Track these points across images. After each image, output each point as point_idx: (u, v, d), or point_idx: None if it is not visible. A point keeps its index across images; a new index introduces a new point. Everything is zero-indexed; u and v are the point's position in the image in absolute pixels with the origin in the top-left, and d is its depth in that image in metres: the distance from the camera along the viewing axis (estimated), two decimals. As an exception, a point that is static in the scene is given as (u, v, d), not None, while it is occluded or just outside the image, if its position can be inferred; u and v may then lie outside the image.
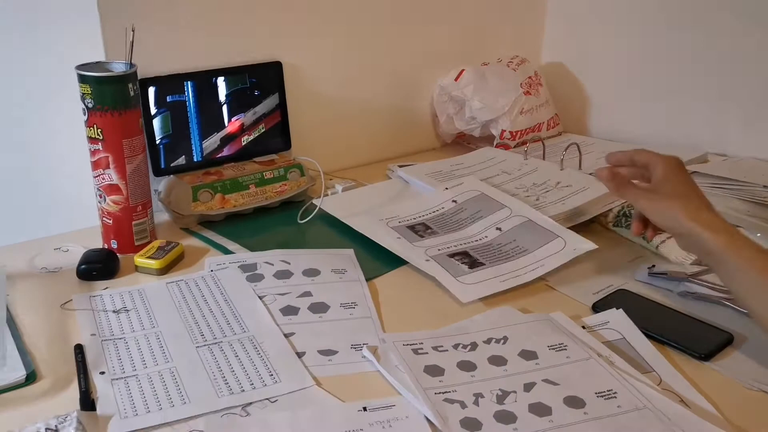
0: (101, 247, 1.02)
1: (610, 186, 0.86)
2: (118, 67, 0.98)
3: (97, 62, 0.99)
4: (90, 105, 0.94)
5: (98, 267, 0.95)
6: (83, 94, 0.94)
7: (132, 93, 0.96)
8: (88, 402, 0.70)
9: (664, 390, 0.75)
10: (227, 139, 1.22)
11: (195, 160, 1.19)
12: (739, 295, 0.77)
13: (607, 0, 1.51)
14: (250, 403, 0.72)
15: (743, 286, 0.76)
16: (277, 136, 1.27)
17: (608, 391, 0.73)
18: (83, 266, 0.94)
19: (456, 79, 1.44)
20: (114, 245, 1.01)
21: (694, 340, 0.82)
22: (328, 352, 0.81)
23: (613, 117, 1.54)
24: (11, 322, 0.83)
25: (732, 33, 1.33)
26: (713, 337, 0.84)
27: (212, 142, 1.20)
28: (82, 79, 0.94)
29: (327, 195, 1.22)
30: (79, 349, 0.78)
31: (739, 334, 0.84)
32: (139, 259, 0.97)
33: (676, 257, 1.02)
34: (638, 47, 1.48)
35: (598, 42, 1.55)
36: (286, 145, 1.29)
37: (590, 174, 1.20)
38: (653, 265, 0.99)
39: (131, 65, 0.97)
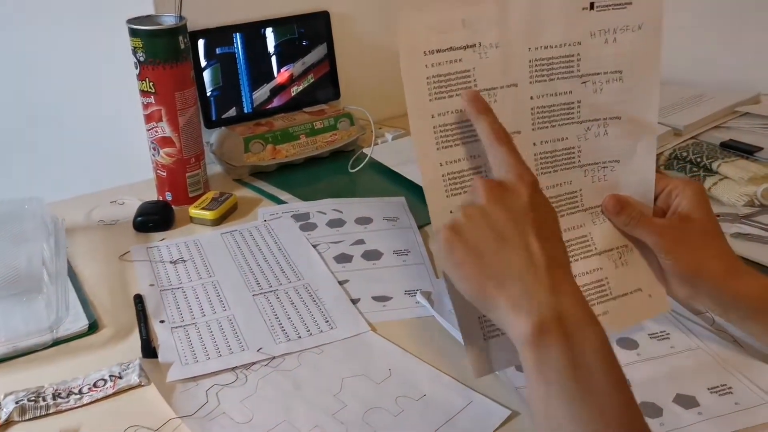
0: (156, 199, 1.03)
1: (618, 221, 0.68)
2: (168, 21, 0.98)
3: (147, 16, 0.98)
4: (142, 59, 0.94)
5: (154, 219, 0.96)
6: (135, 47, 0.94)
7: (183, 46, 0.96)
8: (149, 349, 0.72)
9: (717, 330, 0.73)
10: (277, 90, 1.21)
11: (245, 111, 1.19)
12: None
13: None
14: (307, 349, 0.72)
15: None
16: (326, 86, 1.26)
17: (661, 332, 0.73)
18: (140, 218, 0.96)
19: None
20: (169, 197, 1.02)
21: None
22: (382, 299, 0.81)
23: (664, 60, 1.48)
24: (72, 273, 0.85)
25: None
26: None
27: (262, 93, 1.20)
28: (134, 33, 0.94)
29: (377, 144, 1.21)
30: (138, 299, 0.80)
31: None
32: (194, 211, 0.98)
33: (728, 199, 0.99)
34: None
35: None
36: (336, 94, 1.28)
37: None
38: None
39: (181, 18, 0.97)
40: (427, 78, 0.63)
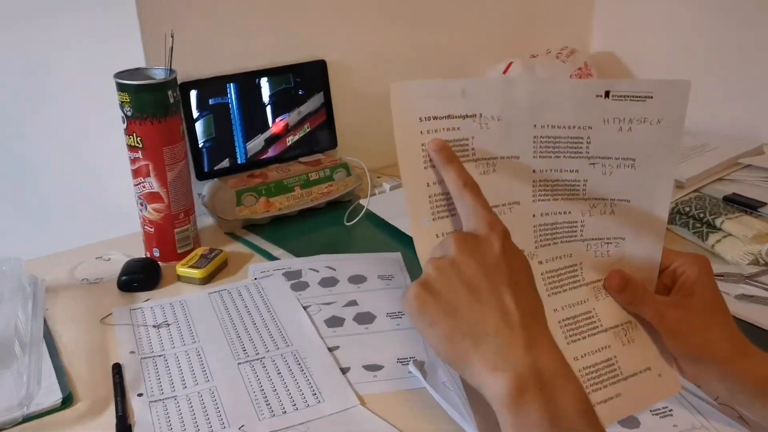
0: (143, 255, 1.00)
1: (621, 299, 0.64)
2: (158, 73, 0.96)
3: (136, 69, 0.96)
4: (129, 113, 0.92)
5: (139, 278, 0.93)
6: (122, 102, 0.92)
7: (172, 100, 0.93)
8: (125, 427, 0.68)
9: (722, 405, 0.70)
10: (272, 140, 1.19)
11: (239, 162, 1.16)
12: None
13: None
14: (292, 426, 0.69)
15: None
16: (322, 135, 1.24)
17: (663, 408, 0.69)
18: (124, 277, 0.93)
19: (504, 72, 1.38)
20: (156, 253, 0.99)
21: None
22: (373, 367, 0.78)
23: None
24: (49, 338, 0.82)
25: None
26: None
27: (257, 143, 1.18)
28: (121, 88, 0.92)
29: (374, 194, 1.18)
30: (117, 369, 0.76)
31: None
32: (181, 269, 0.95)
33: (732, 257, 0.97)
34: (691, 34, 1.40)
35: (650, 29, 1.48)
36: (332, 144, 1.26)
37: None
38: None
39: (171, 71, 0.95)
40: (422, 145, 0.61)
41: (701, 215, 1.03)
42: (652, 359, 0.65)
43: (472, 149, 0.62)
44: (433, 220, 0.61)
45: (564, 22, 1.55)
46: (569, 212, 0.64)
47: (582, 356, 0.63)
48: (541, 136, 0.62)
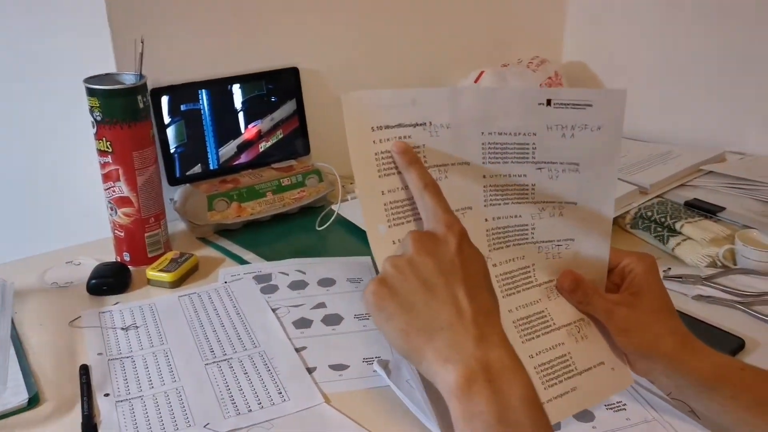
0: (114, 260, 1.01)
1: (573, 299, 0.67)
2: (128, 79, 0.96)
3: (106, 74, 0.97)
4: (99, 118, 0.93)
5: (109, 281, 0.94)
6: (92, 107, 0.93)
7: (141, 105, 0.94)
8: (90, 426, 0.69)
9: (674, 400, 0.71)
10: (244, 146, 1.20)
11: (211, 168, 1.17)
12: (734, 421, 0.64)
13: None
14: (256, 424, 0.70)
15: (737, 413, 0.63)
16: (295, 141, 1.25)
17: (618, 402, 0.71)
18: (93, 281, 0.93)
19: (476, 81, 1.41)
20: (126, 258, 1.00)
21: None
22: (339, 367, 0.79)
23: (634, 116, 1.49)
24: (17, 341, 0.82)
25: (752, 32, 1.28)
26: (725, 342, 0.82)
27: (229, 149, 1.19)
28: (90, 93, 0.92)
29: (346, 200, 1.19)
30: (84, 370, 0.77)
31: (751, 339, 0.83)
32: (151, 273, 0.95)
33: (691, 260, 1.00)
34: (658, 45, 1.44)
35: (618, 40, 1.51)
36: (305, 150, 1.27)
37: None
38: (669, 268, 0.97)
39: (141, 77, 0.96)
40: (375, 154, 0.62)
41: (662, 219, 1.05)
42: (605, 354, 0.67)
43: (424, 157, 0.64)
44: (389, 227, 0.62)
45: (536, 33, 1.58)
46: (520, 216, 0.66)
47: (537, 354, 0.65)
48: (489, 143, 0.64)
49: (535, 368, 0.64)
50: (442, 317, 0.55)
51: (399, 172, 0.63)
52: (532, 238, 0.67)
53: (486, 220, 0.65)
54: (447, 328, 0.55)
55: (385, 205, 0.63)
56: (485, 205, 0.66)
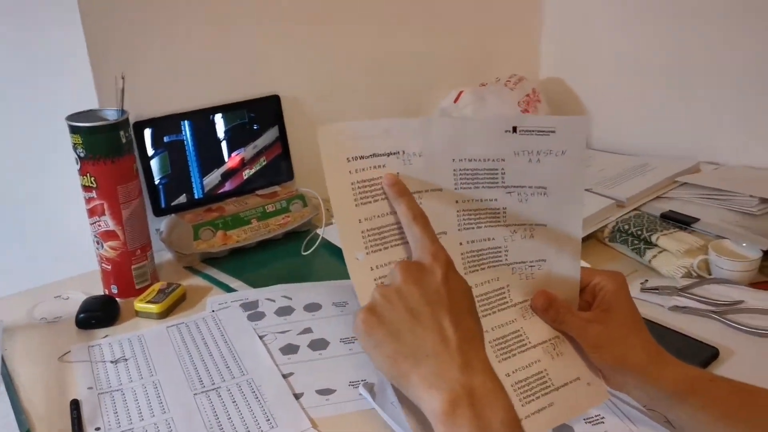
0: (102, 293, 1.02)
1: (547, 318, 0.69)
2: (111, 114, 0.98)
3: (88, 110, 0.99)
4: (82, 155, 0.94)
5: (97, 315, 0.95)
6: (75, 144, 0.95)
7: (124, 140, 0.96)
8: (82, 460, 0.70)
9: (650, 411, 0.74)
10: (228, 175, 1.22)
11: (196, 197, 1.19)
12: (705, 430, 0.65)
13: (602, 14, 1.50)
14: (245, 452, 0.71)
15: (709, 423, 0.65)
16: (279, 168, 1.27)
17: (596, 416, 0.73)
18: (82, 315, 0.95)
19: (455, 101, 1.43)
20: (114, 290, 1.01)
21: (680, 355, 0.81)
22: (326, 391, 0.81)
23: (611, 129, 1.53)
24: (7, 378, 0.83)
25: (723, 43, 1.31)
26: (699, 352, 0.83)
27: (213, 178, 1.21)
28: (73, 130, 0.94)
29: (331, 224, 1.21)
30: (74, 405, 0.78)
31: (725, 348, 0.85)
32: (139, 304, 0.97)
33: (667, 271, 1.02)
34: (632, 59, 1.46)
35: (594, 56, 1.54)
36: (289, 176, 1.29)
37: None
38: (646, 280, 0.99)
39: (123, 112, 0.98)
40: (352, 183, 0.65)
41: (639, 232, 1.08)
42: (580, 370, 0.69)
43: None
44: (367, 253, 0.65)
45: (513, 51, 1.60)
46: (493, 238, 0.69)
47: (513, 372, 0.67)
48: (460, 169, 0.67)
49: (512, 386, 0.66)
50: (428, 345, 0.58)
51: (375, 201, 0.66)
52: (506, 259, 0.70)
53: (461, 243, 0.67)
54: (432, 356, 0.57)
55: (362, 233, 0.65)
56: (459, 230, 0.68)
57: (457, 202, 0.68)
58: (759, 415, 0.63)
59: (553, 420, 0.67)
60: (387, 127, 0.66)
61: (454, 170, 0.67)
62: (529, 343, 0.69)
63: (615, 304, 0.68)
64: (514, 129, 0.66)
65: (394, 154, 0.66)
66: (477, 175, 0.67)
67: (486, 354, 0.59)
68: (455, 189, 0.67)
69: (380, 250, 0.65)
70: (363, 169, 0.65)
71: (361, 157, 0.65)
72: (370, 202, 0.65)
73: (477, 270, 0.68)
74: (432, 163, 0.67)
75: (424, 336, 0.58)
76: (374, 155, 0.65)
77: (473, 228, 0.68)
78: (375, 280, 0.65)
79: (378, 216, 0.65)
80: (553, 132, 0.66)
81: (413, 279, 0.60)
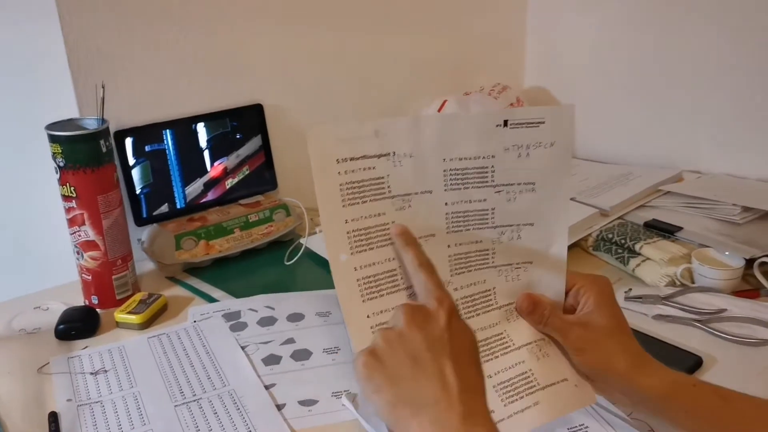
0: (82, 303, 1.01)
1: (531, 320, 0.70)
2: (91, 123, 0.97)
3: (69, 120, 0.98)
4: (62, 164, 0.94)
5: (77, 326, 0.94)
6: (54, 153, 0.94)
7: (104, 149, 0.95)
8: (59, 474, 0.69)
9: (634, 420, 0.73)
10: (211, 184, 1.21)
11: (178, 207, 1.18)
12: None
13: (586, 25, 1.51)
14: (226, 464, 0.70)
15: (691, 427, 0.65)
16: (262, 177, 1.27)
17: (580, 425, 0.73)
18: (62, 326, 0.93)
19: (439, 110, 1.43)
20: (95, 301, 1.00)
21: (664, 364, 0.81)
22: (308, 402, 0.80)
23: (595, 139, 1.53)
24: (-15, 391, 0.82)
25: (706, 54, 1.32)
26: (683, 360, 0.84)
27: (195, 187, 1.20)
28: (53, 139, 0.93)
29: (314, 233, 1.21)
30: (53, 418, 0.77)
31: (708, 356, 0.85)
32: (120, 315, 0.96)
33: (651, 280, 1.02)
34: (617, 69, 1.48)
35: (577, 65, 1.55)
36: (273, 185, 1.28)
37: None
38: (630, 289, 0.99)
39: (103, 121, 0.97)
40: (340, 185, 0.64)
41: (623, 241, 1.08)
42: (567, 372, 0.69)
43: (388, 187, 0.66)
44: (351, 254, 0.64)
45: (497, 60, 1.61)
46: (480, 241, 0.69)
47: (496, 373, 0.67)
48: (450, 169, 0.67)
49: (494, 387, 0.66)
50: (429, 392, 0.56)
51: (363, 202, 0.66)
52: (493, 262, 0.70)
53: (448, 246, 0.67)
54: (432, 404, 0.56)
55: (347, 233, 0.65)
56: (447, 232, 0.68)
57: (446, 204, 0.68)
58: (742, 420, 0.63)
59: (539, 419, 0.67)
60: (377, 127, 0.65)
61: (444, 170, 0.67)
62: (513, 345, 0.69)
63: (599, 307, 0.68)
64: (505, 123, 0.67)
65: (385, 155, 0.65)
66: (467, 175, 0.67)
67: (487, 406, 0.58)
68: (445, 190, 0.67)
69: (364, 250, 0.65)
70: (352, 171, 0.65)
71: (352, 159, 0.65)
72: (357, 203, 0.65)
73: (464, 272, 0.68)
74: (422, 164, 0.66)
75: (425, 383, 0.57)
76: (365, 157, 0.65)
77: (461, 230, 0.68)
78: (358, 280, 0.65)
79: (364, 217, 0.65)
80: (543, 123, 0.67)
81: (416, 323, 0.59)
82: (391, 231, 0.66)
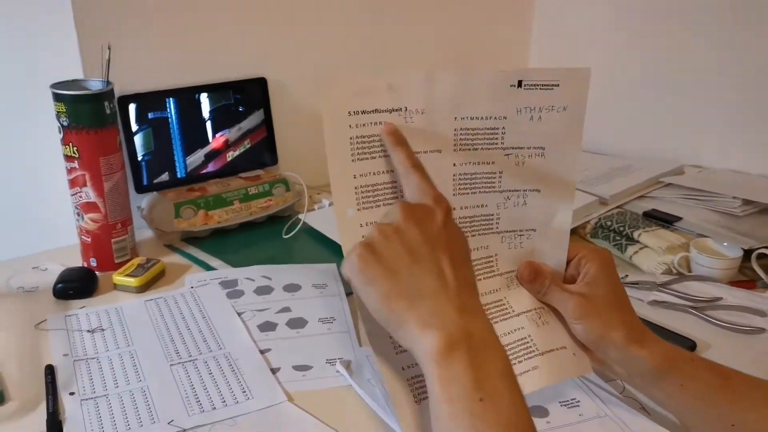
0: (80, 265, 1.01)
1: (532, 289, 0.70)
2: (95, 85, 0.97)
3: (73, 80, 0.98)
4: (65, 123, 0.94)
5: (75, 286, 0.94)
6: (58, 112, 0.94)
7: (108, 111, 0.95)
8: (55, 424, 0.69)
9: (625, 397, 0.74)
10: (212, 155, 1.21)
11: (178, 176, 1.18)
12: (681, 410, 0.66)
13: (592, 16, 1.51)
14: (220, 421, 0.71)
15: (686, 402, 0.65)
16: (263, 151, 1.27)
17: (572, 399, 0.73)
18: (60, 285, 0.93)
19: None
20: (93, 263, 1.00)
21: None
22: (302, 368, 0.80)
23: (597, 131, 1.53)
24: (-18, 344, 0.82)
25: (710, 49, 1.33)
26: (677, 343, 0.83)
27: (196, 158, 1.20)
28: (57, 98, 0.93)
29: (313, 210, 1.21)
30: (49, 370, 0.77)
31: (702, 342, 0.85)
32: (118, 277, 0.96)
33: (648, 267, 1.03)
34: (621, 62, 1.47)
35: (581, 58, 1.54)
36: (273, 160, 1.29)
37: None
38: (626, 275, 1.00)
39: (108, 83, 0.97)
40: (351, 138, 0.64)
41: (621, 229, 1.08)
42: (566, 340, 0.70)
43: None
44: (358, 210, 0.64)
45: (502, 45, 1.61)
46: (486, 205, 0.69)
47: None
48: (461, 128, 0.66)
49: None
50: (426, 285, 0.57)
51: (372, 158, 0.65)
52: (497, 228, 0.70)
53: (454, 209, 0.67)
54: (430, 296, 0.56)
55: (355, 189, 0.64)
56: (454, 195, 0.68)
57: (454, 164, 0.67)
58: (736, 396, 0.63)
59: (537, 383, 0.67)
60: (391, 81, 0.65)
61: (455, 129, 0.66)
62: (512, 311, 0.69)
63: (600, 278, 0.68)
64: (520, 83, 0.66)
65: (396, 110, 0.65)
66: (477, 136, 0.67)
67: (481, 302, 0.59)
68: (454, 150, 0.67)
69: (372, 207, 0.65)
70: (363, 125, 0.64)
71: (363, 112, 0.64)
72: (367, 158, 0.64)
73: (468, 237, 0.68)
74: (433, 121, 0.66)
75: (422, 275, 0.57)
76: (376, 111, 0.65)
77: (467, 194, 0.68)
78: (363, 237, 0.64)
79: (373, 173, 0.65)
80: (557, 85, 0.66)
81: (414, 218, 0.59)
82: (381, 130, 0.64)
